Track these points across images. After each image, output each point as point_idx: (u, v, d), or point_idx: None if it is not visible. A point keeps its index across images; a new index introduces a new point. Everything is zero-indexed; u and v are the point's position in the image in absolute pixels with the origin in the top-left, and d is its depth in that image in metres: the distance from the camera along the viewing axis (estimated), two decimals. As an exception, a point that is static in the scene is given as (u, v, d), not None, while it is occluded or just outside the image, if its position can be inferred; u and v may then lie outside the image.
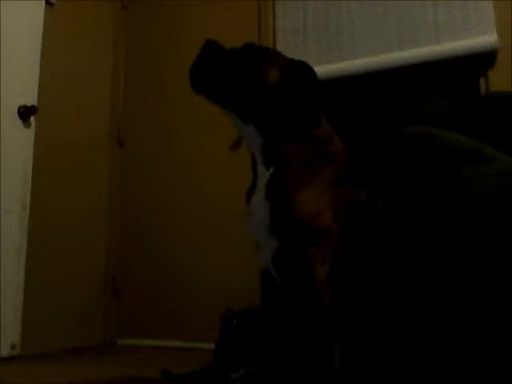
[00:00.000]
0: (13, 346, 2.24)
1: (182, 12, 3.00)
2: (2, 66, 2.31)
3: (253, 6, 2.81)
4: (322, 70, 2.50)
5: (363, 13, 2.54)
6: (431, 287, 1.14)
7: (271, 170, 1.27)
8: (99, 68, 3.03)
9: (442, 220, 1.18)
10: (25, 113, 2.41)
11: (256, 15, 2.79)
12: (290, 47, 2.65)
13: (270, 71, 1.29)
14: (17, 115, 2.40)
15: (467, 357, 1.08)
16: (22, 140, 2.42)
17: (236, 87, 1.28)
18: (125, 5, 3.19)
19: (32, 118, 2.45)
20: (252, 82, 1.27)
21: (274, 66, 1.30)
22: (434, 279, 1.14)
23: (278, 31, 2.74)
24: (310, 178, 1.23)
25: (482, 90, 2.30)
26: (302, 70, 1.32)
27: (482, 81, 2.32)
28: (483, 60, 2.28)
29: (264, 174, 1.28)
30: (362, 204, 1.24)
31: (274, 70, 1.29)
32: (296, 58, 1.35)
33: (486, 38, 2.26)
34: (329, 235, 1.18)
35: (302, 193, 1.20)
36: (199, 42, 1.32)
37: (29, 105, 2.42)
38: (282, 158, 1.26)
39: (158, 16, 3.08)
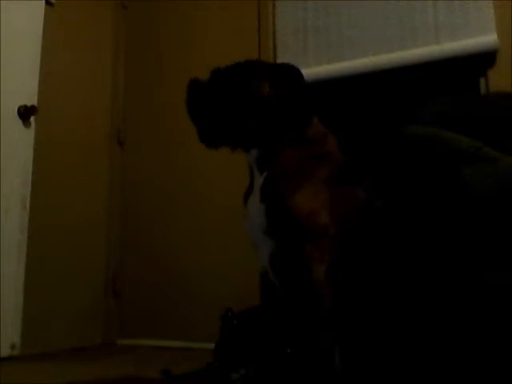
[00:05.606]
0: (13, 346, 2.24)
1: (182, 12, 2.99)
2: (2, 66, 2.31)
3: (253, 6, 2.81)
4: (322, 70, 2.50)
5: (363, 13, 2.54)
6: (431, 287, 1.14)
7: (265, 175, 1.27)
8: (99, 68, 3.03)
9: (441, 220, 1.18)
10: (25, 113, 2.42)
11: (256, 15, 2.79)
12: (290, 47, 2.65)
13: (263, 88, 1.29)
14: (17, 115, 2.40)
15: (467, 356, 1.08)
16: (21, 140, 2.42)
17: (234, 120, 1.29)
18: (125, 5, 3.19)
19: (32, 118, 2.45)
20: (250, 105, 1.27)
21: (263, 81, 1.29)
22: (433, 279, 1.14)
23: (278, 31, 2.74)
24: (304, 178, 1.23)
25: (482, 90, 2.30)
26: (288, 73, 1.32)
27: (482, 81, 2.32)
28: (483, 60, 2.28)
29: (259, 179, 1.29)
30: (361, 203, 1.24)
31: (265, 84, 1.29)
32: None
33: (485, 38, 2.26)
34: (326, 234, 1.18)
35: (296, 193, 1.20)
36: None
37: (29, 105, 2.43)
38: (275, 162, 1.27)
39: (158, 16, 3.08)
